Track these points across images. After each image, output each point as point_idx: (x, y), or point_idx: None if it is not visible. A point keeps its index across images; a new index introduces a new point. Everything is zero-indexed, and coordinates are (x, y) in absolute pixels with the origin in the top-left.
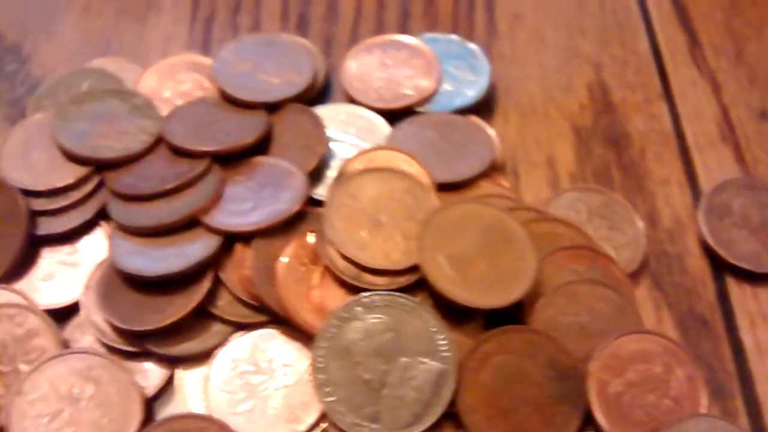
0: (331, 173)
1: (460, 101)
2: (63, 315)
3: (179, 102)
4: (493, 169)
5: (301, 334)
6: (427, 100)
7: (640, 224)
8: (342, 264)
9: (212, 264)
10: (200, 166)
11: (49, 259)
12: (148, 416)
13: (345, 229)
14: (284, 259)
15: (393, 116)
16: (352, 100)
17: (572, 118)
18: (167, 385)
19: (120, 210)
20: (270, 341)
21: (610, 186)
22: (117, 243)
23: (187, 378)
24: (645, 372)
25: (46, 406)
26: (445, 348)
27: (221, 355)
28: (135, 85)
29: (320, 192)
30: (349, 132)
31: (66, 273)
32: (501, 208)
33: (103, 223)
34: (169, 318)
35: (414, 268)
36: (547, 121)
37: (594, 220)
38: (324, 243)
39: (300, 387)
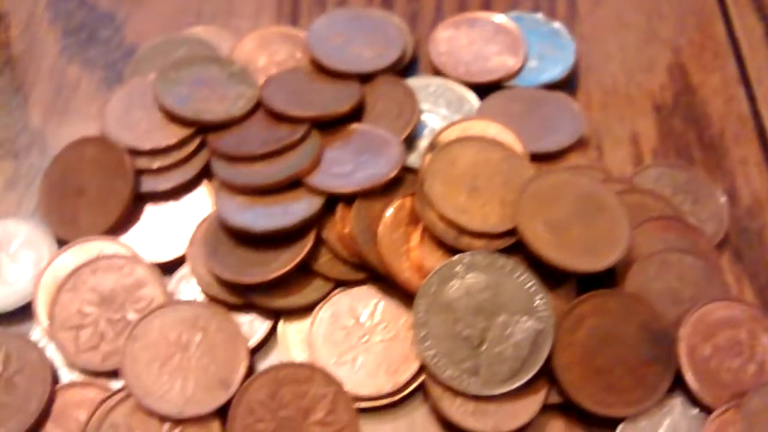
0: (422, 143)
1: (546, 77)
2: (166, 269)
3: (273, 71)
4: (579, 144)
5: (400, 292)
6: (513, 75)
7: (723, 200)
8: (441, 226)
9: (315, 222)
10: (301, 130)
11: (153, 214)
12: (251, 366)
13: (444, 193)
14: (385, 220)
15: (479, 91)
16: (438, 75)
17: (653, 97)
18: (269, 337)
19: (225, 169)
20: (369, 297)
21: (691, 163)
22: (223, 200)
23: (288, 330)
24: (732, 338)
25: (156, 352)
26: (543, 308)
27: (323, 310)
28: (230, 53)
29: (412, 161)
30: (438, 104)
31: (170, 229)
32: (594, 178)
33: (205, 182)
34: (274, 272)
35: (510, 232)
36: (629, 99)
37: (678, 195)
38: (424, 206)
39: (399, 342)
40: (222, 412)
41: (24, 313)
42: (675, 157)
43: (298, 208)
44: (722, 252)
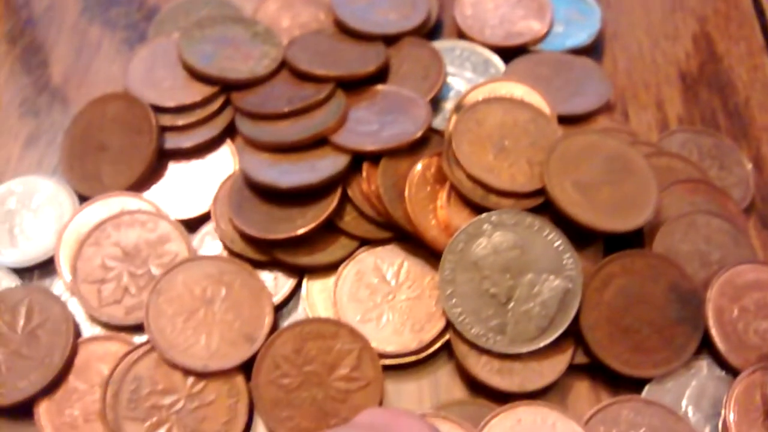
0: (448, 105)
1: (572, 42)
2: (189, 226)
3: (296, 32)
4: (606, 108)
5: (424, 252)
6: (539, 40)
7: (749, 166)
8: (469, 185)
9: (341, 180)
10: (326, 89)
11: (176, 172)
12: (275, 323)
13: (472, 153)
14: (412, 178)
15: (504, 55)
16: (463, 38)
17: (678, 65)
18: (293, 295)
19: (250, 127)
20: (394, 256)
21: (717, 130)
22: (248, 158)
23: (313, 288)
24: (760, 300)
25: (181, 306)
26: (571, 267)
27: (348, 268)
28: (253, 14)
29: (438, 123)
30: (464, 67)
31: (193, 186)
32: (623, 140)
33: (228, 141)
34: (300, 228)
35: (538, 192)
36: (654, 67)
37: (705, 161)
38: (451, 165)
39: (424, 300)
40: (246, 367)
41: (46, 268)
42: (700, 123)
43: (323, 165)
44: (748, 218)
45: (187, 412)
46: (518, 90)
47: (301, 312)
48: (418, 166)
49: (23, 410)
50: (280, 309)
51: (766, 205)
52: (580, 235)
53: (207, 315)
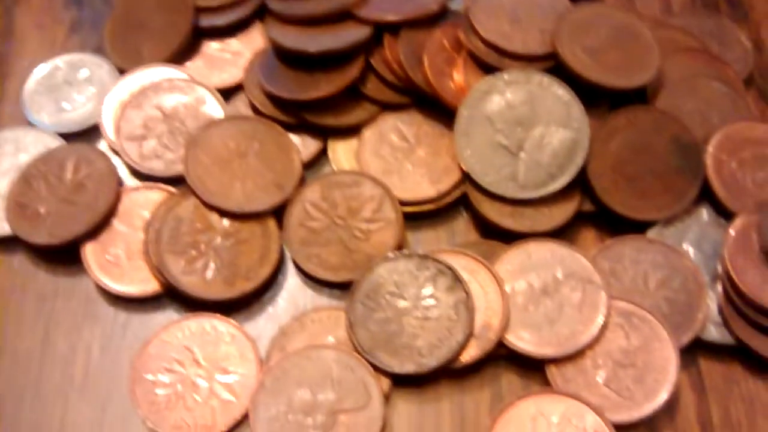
0: None
1: None
2: (224, 95)
3: None
4: None
5: (441, 116)
6: None
7: (747, 44)
8: (484, 50)
9: (364, 48)
10: None
11: (212, 47)
12: (303, 178)
13: (487, 21)
14: (430, 44)
15: None
16: None
17: None
18: (319, 157)
19: (280, 4)
20: (413, 119)
21: (719, 15)
22: (278, 30)
23: (338, 148)
24: (756, 153)
25: (217, 157)
26: (578, 119)
27: (371, 129)
28: None
29: (455, 5)
30: None
31: (226, 60)
32: (628, 12)
33: (258, 23)
34: (325, 90)
35: (549, 56)
36: None
37: (706, 39)
38: (468, 32)
39: (441, 157)
40: (277, 213)
41: (89, 134)
42: (703, 9)
43: (348, 34)
44: (747, 90)
45: (224, 247)
46: None
47: (327, 170)
48: (437, 32)
49: (71, 251)
50: (307, 168)
51: (764, 81)
52: (588, 96)
53: (241, 165)
